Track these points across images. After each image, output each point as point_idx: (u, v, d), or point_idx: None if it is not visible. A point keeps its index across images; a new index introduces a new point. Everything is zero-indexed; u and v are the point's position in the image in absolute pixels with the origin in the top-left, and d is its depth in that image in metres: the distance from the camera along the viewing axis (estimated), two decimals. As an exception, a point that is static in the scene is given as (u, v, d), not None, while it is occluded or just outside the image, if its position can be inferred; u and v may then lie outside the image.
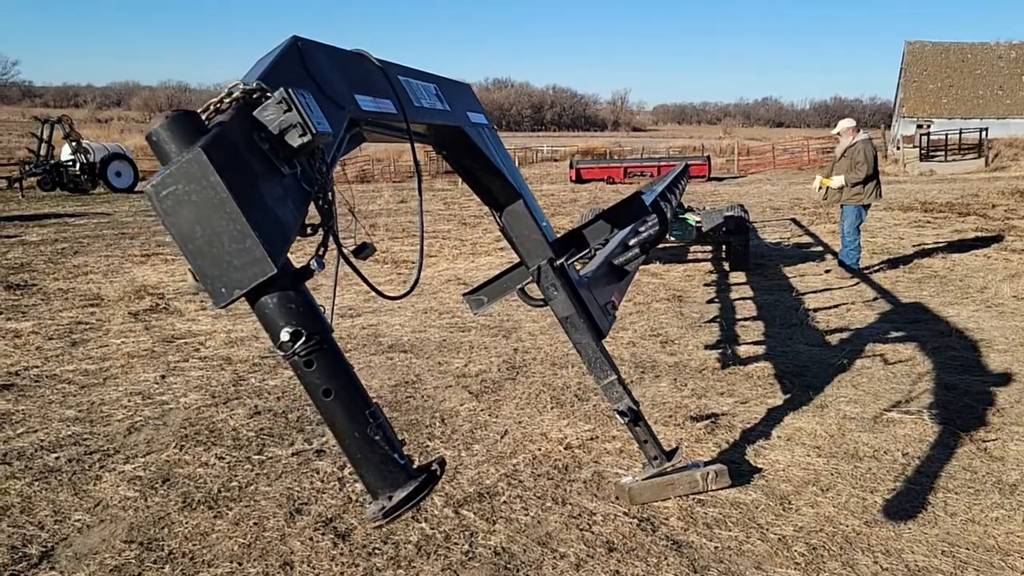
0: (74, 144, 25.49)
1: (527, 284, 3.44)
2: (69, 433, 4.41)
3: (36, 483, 3.76)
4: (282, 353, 1.53)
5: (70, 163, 25.52)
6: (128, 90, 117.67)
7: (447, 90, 2.98)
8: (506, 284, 3.49)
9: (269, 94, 1.59)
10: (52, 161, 25.60)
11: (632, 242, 3.96)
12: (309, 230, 1.70)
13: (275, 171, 1.58)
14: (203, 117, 1.54)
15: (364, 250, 1.91)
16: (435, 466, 1.67)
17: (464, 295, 3.61)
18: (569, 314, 3.22)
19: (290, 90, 1.59)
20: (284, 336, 1.50)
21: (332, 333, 1.60)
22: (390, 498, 1.58)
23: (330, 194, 1.76)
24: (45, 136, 25.62)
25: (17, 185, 24.87)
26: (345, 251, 1.89)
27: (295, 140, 1.58)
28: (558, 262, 3.20)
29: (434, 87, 2.85)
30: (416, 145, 2.43)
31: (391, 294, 2.15)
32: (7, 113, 79.35)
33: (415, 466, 1.64)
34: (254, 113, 1.58)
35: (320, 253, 1.66)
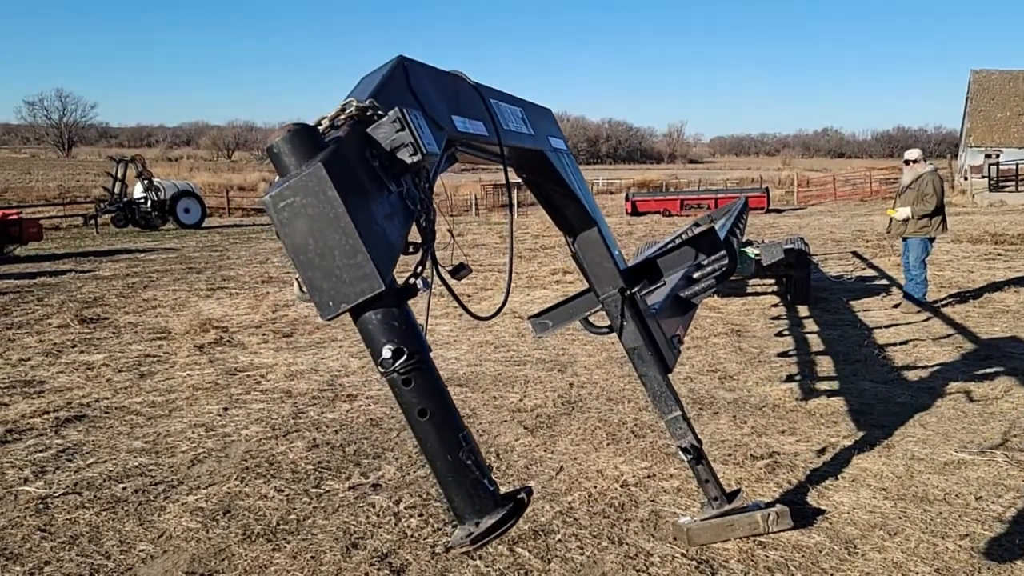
0: (146, 182, 26.55)
1: (592, 313, 3.42)
2: (136, 464, 4.55)
3: (104, 512, 3.88)
4: (382, 370, 1.52)
5: (142, 200, 26.57)
6: (197, 129, 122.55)
7: (531, 114, 3.01)
8: (572, 310, 3.48)
9: (381, 112, 1.63)
10: (125, 199, 26.70)
11: (697, 275, 3.91)
12: (411, 248, 1.71)
13: (384, 188, 1.60)
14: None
15: (461, 271, 1.92)
16: (522, 495, 1.64)
17: (529, 318, 3.61)
18: (637, 345, 3.18)
19: (404, 110, 1.61)
20: (386, 353, 1.50)
21: (431, 353, 1.60)
22: (477, 524, 1.55)
23: (432, 214, 1.78)
24: (119, 175, 26.74)
25: (92, 222, 26.00)
26: (443, 271, 1.88)
27: (407, 159, 1.61)
28: (629, 292, 3.18)
29: (520, 111, 2.88)
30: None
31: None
32: (85, 153, 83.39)
33: (502, 493, 1.62)
34: (368, 130, 1.61)
35: (419, 271, 1.67)
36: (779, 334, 7.84)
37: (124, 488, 4.18)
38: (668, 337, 3.35)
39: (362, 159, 1.56)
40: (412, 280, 1.61)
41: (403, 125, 1.60)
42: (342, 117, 1.61)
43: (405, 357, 1.51)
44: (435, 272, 1.81)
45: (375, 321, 1.51)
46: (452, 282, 1.93)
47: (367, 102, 1.63)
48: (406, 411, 1.56)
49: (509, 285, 2.24)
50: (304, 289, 1.47)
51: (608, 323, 3.31)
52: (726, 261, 3.66)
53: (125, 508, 3.93)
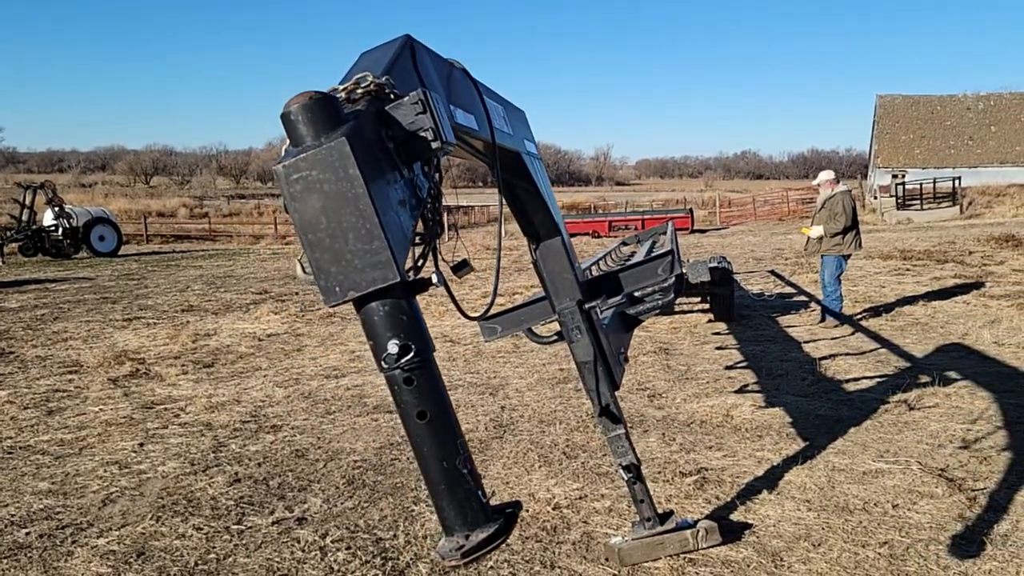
0: (57, 209, 25.42)
1: (544, 323, 3.38)
2: (41, 507, 4.28)
3: (5, 560, 3.63)
4: (384, 365, 1.43)
5: (52, 228, 25.42)
6: (113, 154, 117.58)
7: (511, 114, 2.96)
8: (523, 317, 3.42)
9: (397, 91, 1.54)
10: (34, 226, 25.51)
11: (639, 293, 3.92)
12: (418, 239, 1.62)
13: (398, 173, 1.51)
14: None
15: (463, 268, 1.84)
16: (512, 509, 1.57)
17: (477, 319, 3.53)
18: (589, 359, 3.16)
19: (427, 92, 1.53)
20: (392, 348, 1.41)
21: (435, 352, 1.51)
22: (467, 537, 1.47)
23: (440, 205, 1.69)
24: (27, 202, 25.53)
25: (-2, 251, 24.71)
26: (445, 267, 1.79)
27: (428, 144, 1.52)
28: (587, 305, 3.16)
29: (502, 109, 2.81)
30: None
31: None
32: (-9, 180, 79.40)
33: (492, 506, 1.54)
34: (387, 108, 1.51)
35: (420, 265, 1.58)
36: (705, 351, 8.00)
37: (28, 533, 3.93)
38: (615, 353, 3.35)
39: (379, 139, 1.47)
40: (414, 273, 1.52)
41: (425, 108, 1.52)
42: (359, 91, 1.51)
43: (412, 354, 1.42)
44: (437, 267, 1.72)
45: (382, 313, 1.43)
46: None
47: (383, 79, 1.54)
48: (404, 412, 1.47)
49: (496, 283, 2.16)
50: (308, 270, 1.39)
51: (550, 333, 3.28)
52: (673, 281, 3.69)
53: (28, 555, 3.69)
